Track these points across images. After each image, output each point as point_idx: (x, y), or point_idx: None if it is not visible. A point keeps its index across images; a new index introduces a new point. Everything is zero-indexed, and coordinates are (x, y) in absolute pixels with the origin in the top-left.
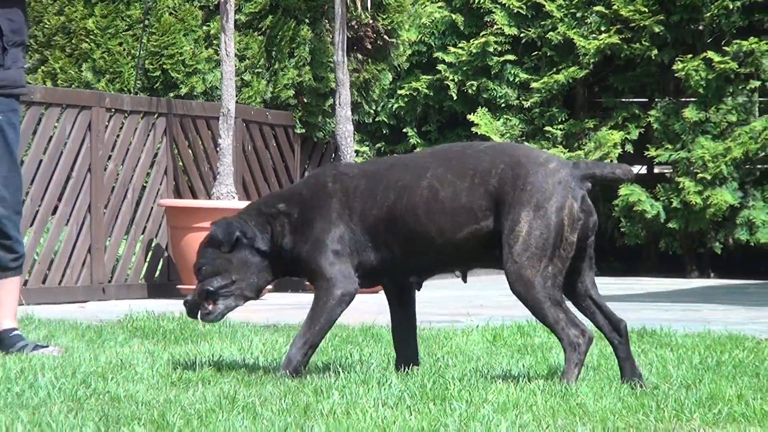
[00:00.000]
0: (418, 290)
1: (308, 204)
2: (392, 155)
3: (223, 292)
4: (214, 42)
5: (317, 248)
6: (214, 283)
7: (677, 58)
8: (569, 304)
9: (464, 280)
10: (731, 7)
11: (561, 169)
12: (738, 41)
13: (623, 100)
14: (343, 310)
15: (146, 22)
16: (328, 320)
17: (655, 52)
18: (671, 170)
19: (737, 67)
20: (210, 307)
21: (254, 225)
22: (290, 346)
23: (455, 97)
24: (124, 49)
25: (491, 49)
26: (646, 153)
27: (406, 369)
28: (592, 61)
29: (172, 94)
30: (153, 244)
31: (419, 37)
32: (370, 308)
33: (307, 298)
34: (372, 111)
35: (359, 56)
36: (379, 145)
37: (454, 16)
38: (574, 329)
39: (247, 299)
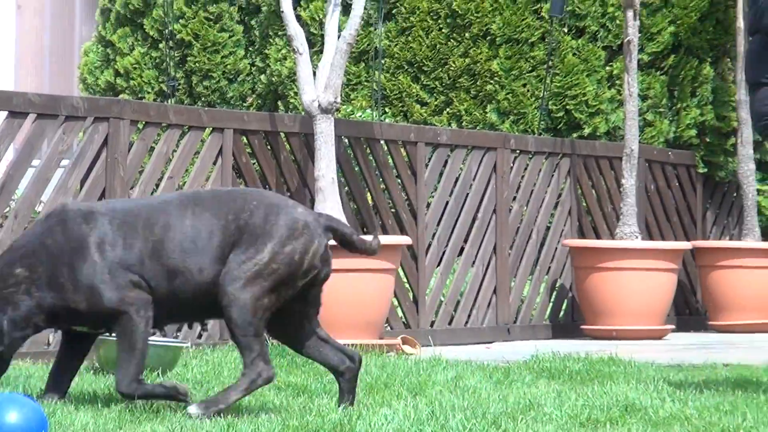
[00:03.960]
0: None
1: (58, 251)
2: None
3: None
4: (617, 82)
5: (93, 293)
6: None
7: None
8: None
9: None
10: None
11: (308, 215)
12: None
13: None
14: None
15: (550, 63)
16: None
17: None
18: None
19: None
20: None
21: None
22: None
23: None
24: (528, 90)
25: None
26: None
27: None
28: None
29: (575, 135)
30: (557, 285)
31: None
32: None
33: (711, 338)
34: None
35: None
36: None
37: None
38: (263, 363)
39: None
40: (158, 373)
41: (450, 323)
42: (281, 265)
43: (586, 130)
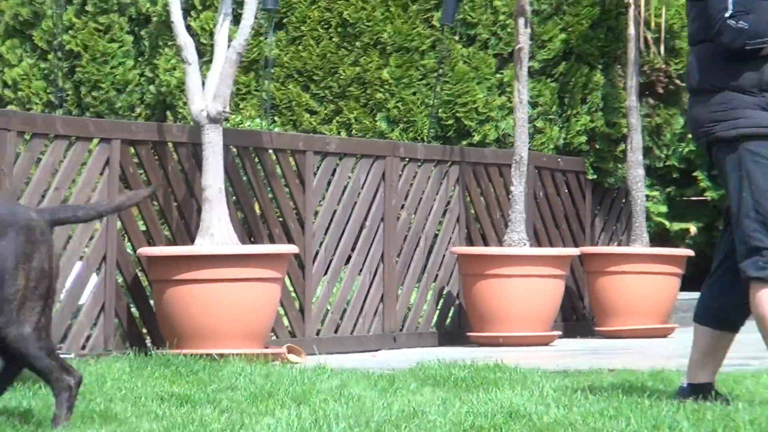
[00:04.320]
0: None
1: None
2: None
3: None
4: (507, 89)
5: None
6: None
7: None
8: None
9: None
10: None
11: (39, 218)
12: None
13: None
14: None
15: (440, 71)
16: None
17: None
18: None
19: None
20: None
21: None
22: None
23: None
24: (418, 99)
25: None
26: None
27: None
28: None
29: (465, 142)
30: (444, 292)
31: None
32: (662, 352)
33: (598, 344)
34: (663, 156)
35: (651, 101)
36: (668, 189)
37: None
38: (67, 375)
39: None
40: (41, 385)
41: (336, 331)
42: (38, 280)
43: (476, 138)
